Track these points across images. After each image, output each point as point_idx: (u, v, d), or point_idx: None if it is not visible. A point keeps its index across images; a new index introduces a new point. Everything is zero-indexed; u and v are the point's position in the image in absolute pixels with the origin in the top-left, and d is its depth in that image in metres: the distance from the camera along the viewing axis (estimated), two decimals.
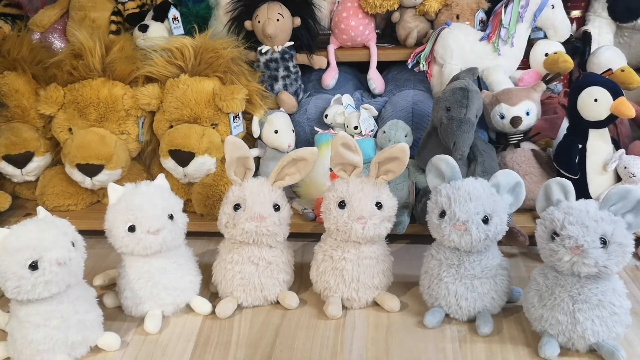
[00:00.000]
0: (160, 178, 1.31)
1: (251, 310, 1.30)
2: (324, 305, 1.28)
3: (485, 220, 1.18)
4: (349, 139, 1.24)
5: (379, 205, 1.26)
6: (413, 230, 1.50)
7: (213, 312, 1.28)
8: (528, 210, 1.53)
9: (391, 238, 1.52)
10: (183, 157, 1.54)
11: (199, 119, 1.57)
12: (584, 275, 1.08)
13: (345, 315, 1.28)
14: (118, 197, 1.23)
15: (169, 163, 1.56)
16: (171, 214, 1.24)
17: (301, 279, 1.38)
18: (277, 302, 1.32)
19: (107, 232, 1.24)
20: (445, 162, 1.24)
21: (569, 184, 1.14)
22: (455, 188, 1.20)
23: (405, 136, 1.56)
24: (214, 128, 1.59)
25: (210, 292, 1.36)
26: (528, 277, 1.32)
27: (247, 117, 1.67)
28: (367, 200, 1.25)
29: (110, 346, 1.18)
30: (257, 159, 1.69)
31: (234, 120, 1.61)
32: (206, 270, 1.35)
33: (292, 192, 1.62)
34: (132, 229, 1.20)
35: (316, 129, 1.68)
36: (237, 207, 1.27)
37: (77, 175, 1.58)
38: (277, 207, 1.29)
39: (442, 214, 1.20)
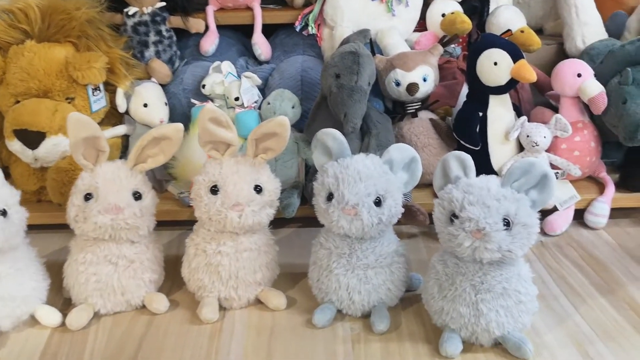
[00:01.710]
0: None
1: (111, 319, 1.10)
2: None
3: (378, 203, 1.03)
4: (218, 113, 1.06)
5: (258, 189, 1.09)
6: (304, 212, 1.34)
7: (64, 323, 1.07)
8: (428, 185, 1.40)
9: (279, 223, 1.37)
10: (31, 138, 1.30)
11: (50, 92, 1.33)
12: (487, 262, 0.96)
13: (223, 317, 1.11)
14: None
15: (14, 145, 1.32)
16: (4, 210, 1.02)
17: (174, 277, 1.19)
18: (144, 307, 1.13)
19: None
20: (331, 136, 1.08)
21: (468, 158, 1.00)
22: (343, 167, 1.04)
23: (293, 107, 1.39)
24: (69, 102, 1.36)
25: (64, 298, 1.15)
26: (429, 260, 1.20)
27: (111, 89, 1.45)
28: (244, 184, 1.07)
29: None
30: (126, 138, 1.48)
31: (93, 93, 1.38)
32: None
33: (166, 175, 1.42)
34: None
35: (193, 101, 1.48)
36: (88, 197, 1.07)
37: None
38: (137, 196, 1.09)
39: (330, 197, 1.04)
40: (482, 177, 0.98)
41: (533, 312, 1.00)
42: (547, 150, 1.40)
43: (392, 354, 1.01)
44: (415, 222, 1.33)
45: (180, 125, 1.10)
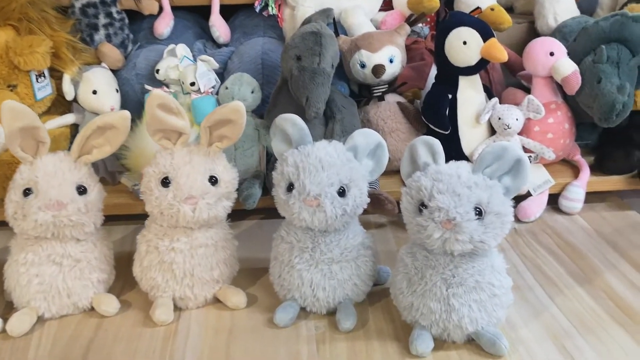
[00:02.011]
0: None
1: (56, 323, 1.02)
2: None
3: (342, 193, 0.96)
4: (167, 99, 0.98)
5: (213, 180, 1.01)
6: (267, 203, 1.26)
7: (5, 330, 0.99)
8: (396, 172, 1.33)
9: (240, 215, 1.30)
10: None
11: None
12: (458, 254, 0.89)
13: (179, 319, 1.03)
14: None
15: None
16: None
17: (127, 276, 1.10)
18: (92, 309, 1.04)
19: None
20: (291, 122, 1.00)
21: (436, 144, 0.94)
22: (304, 155, 0.97)
23: (252, 92, 1.31)
24: (11, 90, 1.27)
25: (5, 302, 1.07)
26: (396, 250, 1.14)
27: (57, 75, 1.35)
28: (197, 175, 0.99)
29: None
30: (76, 127, 1.38)
31: (37, 79, 1.29)
32: None
33: (119, 166, 1.34)
34: None
35: (147, 87, 1.39)
36: (27, 192, 0.98)
37: None
38: (82, 190, 1.00)
39: (290, 188, 0.97)
40: (452, 163, 0.92)
41: (508, 305, 0.95)
42: (520, 133, 1.34)
43: (359, 353, 0.94)
44: (384, 211, 1.27)
45: (126, 113, 1.01)
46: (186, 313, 1.04)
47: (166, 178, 0.99)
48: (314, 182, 0.94)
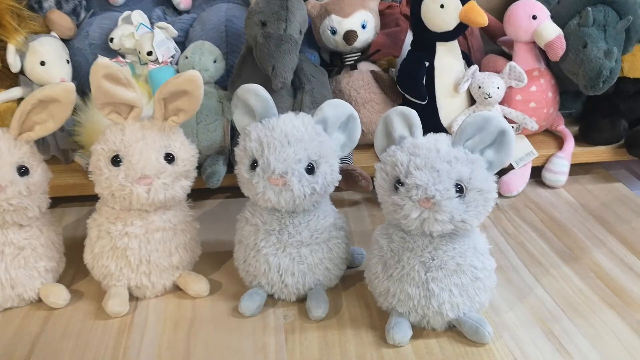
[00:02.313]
0: None
1: (0, 316, 0.93)
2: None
3: (310, 170, 0.88)
4: (113, 68, 0.88)
5: (169, 158, 0.92)
6: (232, 181, 1.17)
7: None
8: (371, 146, 1.25)
9: (204, 194, 1.21)
10: None
11: None
12: (438, 235, 0.82)
13: (135, 309, 0.95)
14: None
15: None
16: None
17: (80, 262, 1.01)
18: (40, 301, 0.96)
19: None
20: (254, 93, 0.91)
21: (413, 114, 0.86)
22: (268, 129, 0.88)
23: (215, 62, 1.21)
24: None
25: None
26: (372, 229, 1.07)
27: (2, 45, 1.24)
28: (152, 153, 0.90)
29: None
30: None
31: None
32: None
33: (71, 143, 1.24)
34: None
35: (101, 57, 1.28)
36: None
37: None
38: (23, 170, 0.91)
39: (254, 165, 0.88)
40: (430, 135, 0.84)
41: (491, 288, 0.87)
42: (501, 103, 1.26)
43: (332, 344, 0.87)
44: (357, 188, 1.19)
45: (70, 85, 0.91)
46: (143, 303, 0.96)
47: (116, 156, 0.90)
48: (280, 159, 0.86)
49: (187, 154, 0.94)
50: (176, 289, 0.98)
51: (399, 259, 0.85)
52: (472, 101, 1.28)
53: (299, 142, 0.87)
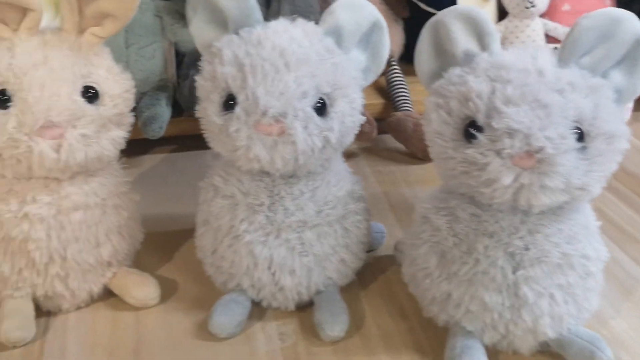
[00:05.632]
0: None
1: None
2: None
3: (321, 109, 0.55)
4: None
5: (90, 94, 0.57)
6: (181, 127, 0.87)
7: None
8: None
9: (141, 148, 0.90)
10: None
11: None
12: (539, 211, 0.51)
13: (45, 332, 0.61)
14: None
15: None
16: None
17: None
18: None
19: None
20: None
21: (482, 17, 0.54)
22: (251, 44, 0.55)
23: None
24: None
25: None
26: (382, 193, 0.76)
27: None
28: (61, 86, 0.56)
29: None
30: None
31: None
32: None
33: None
34: None
35: None
36: None
37: None
38: None
39: (229, 103, 0.55)
40: (521, 49, 0.52)
41: (601, 287, 0.57)
42: (542, 15, 0.96)
43: None
44: (359, 135, 0.87)
45: None
46: (58, 321, 0.62)
47: (3, 92, 0.55)
48: (273, 92, 0.53)
49: (119, 88, 0.60)
50: (109, 295, 0.64)
51: (470, 248, 0.53)
52: (501, 14, 0.98)
53: (302, 65, 0.54)
